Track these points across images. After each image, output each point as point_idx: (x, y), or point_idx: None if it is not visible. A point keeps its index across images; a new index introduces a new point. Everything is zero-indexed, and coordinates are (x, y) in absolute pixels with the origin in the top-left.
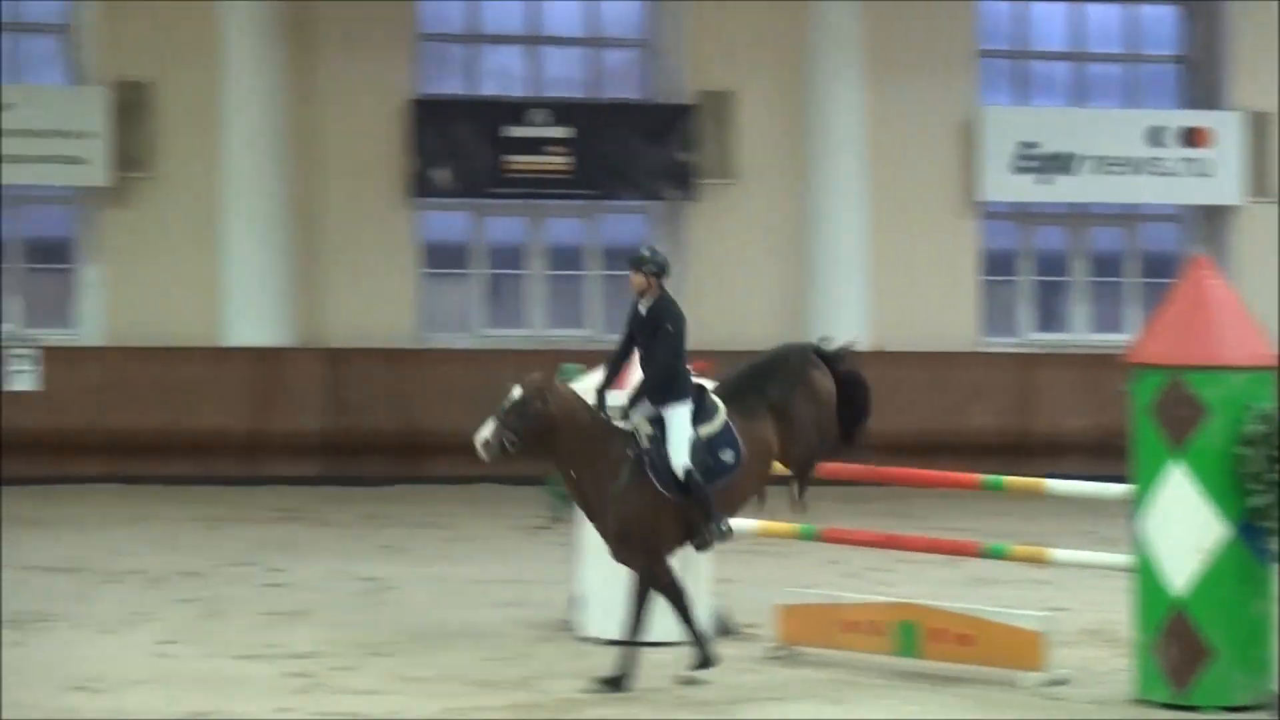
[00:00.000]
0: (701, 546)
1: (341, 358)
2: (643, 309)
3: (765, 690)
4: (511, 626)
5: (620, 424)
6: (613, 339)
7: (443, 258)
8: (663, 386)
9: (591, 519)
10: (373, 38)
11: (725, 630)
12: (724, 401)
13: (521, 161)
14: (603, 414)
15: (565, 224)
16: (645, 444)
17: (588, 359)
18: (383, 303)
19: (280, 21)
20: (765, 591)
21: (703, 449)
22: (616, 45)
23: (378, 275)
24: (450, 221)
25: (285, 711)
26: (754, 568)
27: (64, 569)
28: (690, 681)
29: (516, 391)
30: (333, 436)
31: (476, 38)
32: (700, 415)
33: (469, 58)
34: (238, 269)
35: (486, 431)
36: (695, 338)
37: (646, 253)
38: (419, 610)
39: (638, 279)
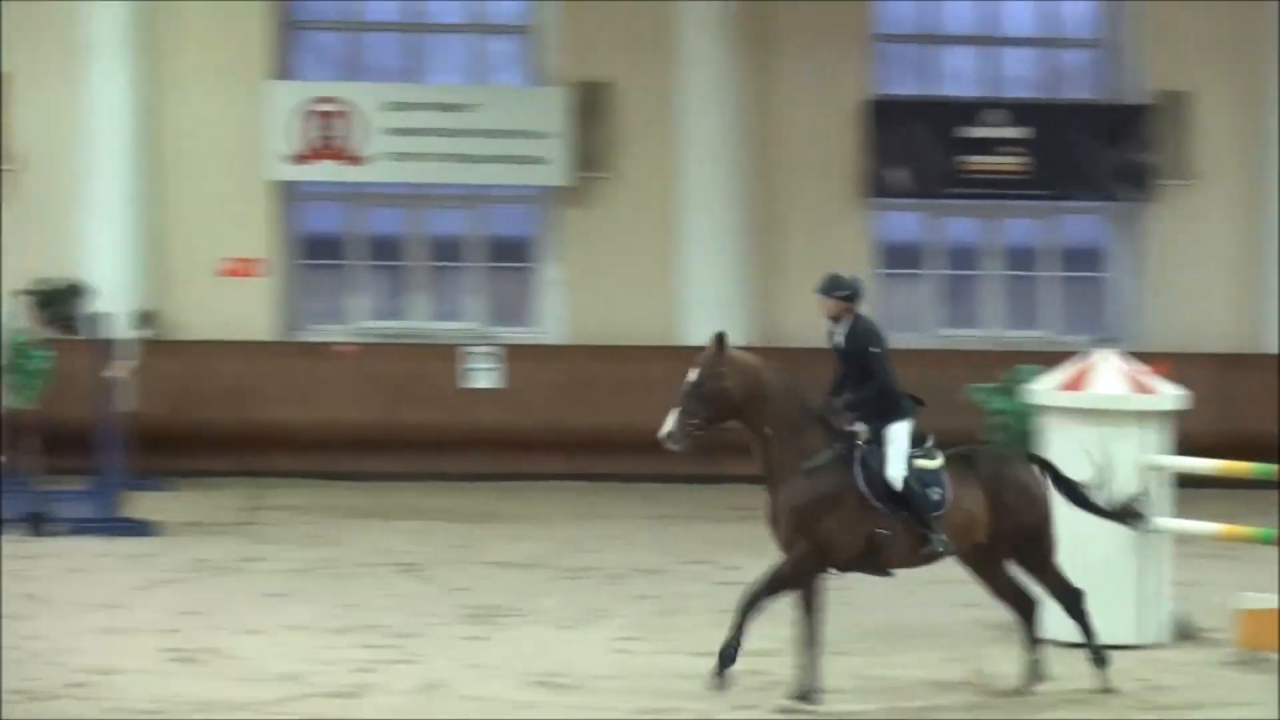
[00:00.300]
0: (888, 557)
1: (797, 357)
2: (840, 336)
3: (1224, 696)
4: (968, 627)
5: (833, 419)
6: (1070, 340)
7: (897, 258)
8: (881, 409)
9: (771, 490)
10: (829, 38)
11: (1186, 634)
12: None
13: (977, 162)
14: (807, 397)
15: (1021, 225)
16: (861, 441)
17: (1044, 360)
18: None
19: (738, 21)
20: (1224, 596)
21: (915, 476)
22: (1073, 45)
23: None
24: (905, 222)
25: (744, 710)
26: (1212, 571)
27: (525, 565)
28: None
29: (692, 375)
30: None
31: (932, 38)
32: (923, 455)
33: (925, 58)
34: (695, 268)
35: (669, 424)
36: (1153, 340)
37: (836, 278)
38: (877, 610)
39: (830, 305)
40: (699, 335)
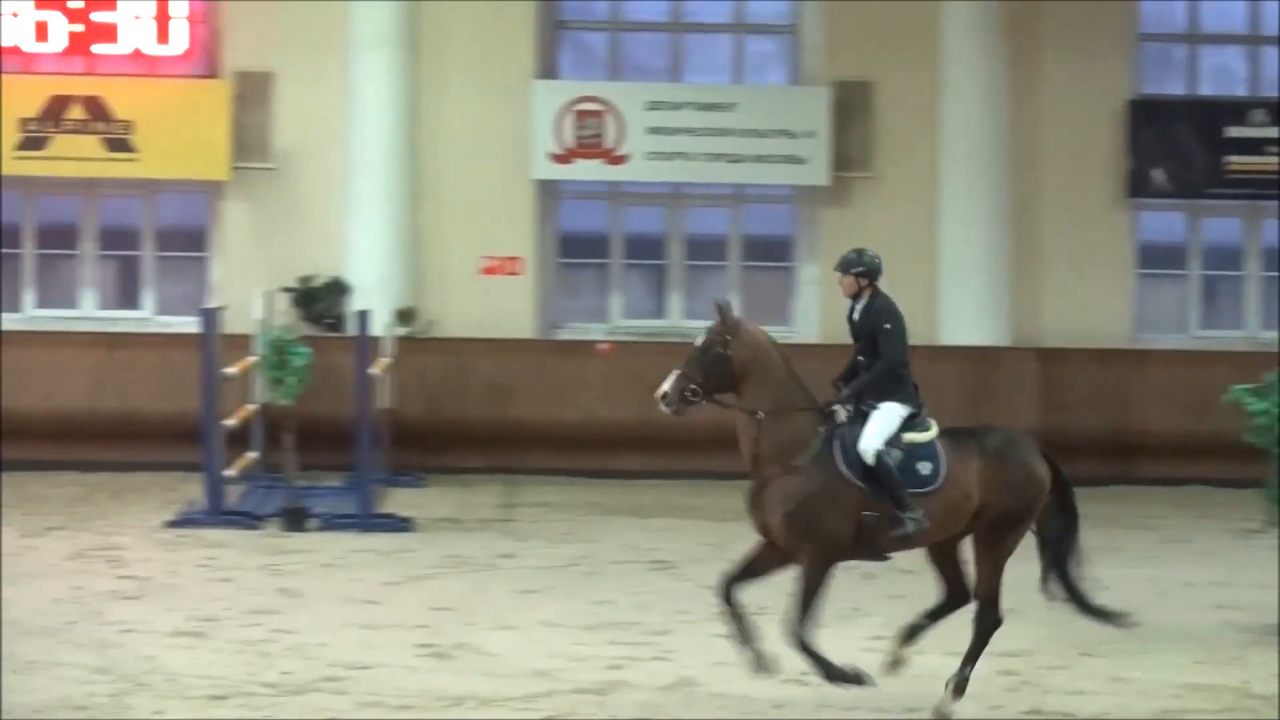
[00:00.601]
0: (880, 542)
1: (1055, 357)
2: (856, 314)
3: None
4: (1223, 630)
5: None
6: None
7: (1158, 258)
8: (883, 385)
9: (754, 487)
10: (1093, 37)
11: None
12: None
13: (1239, 162)
14: (805, 385)
15: None
16: (842, 419)
17: None
18: (1097, 303)
19: (1001, 20)
20: None
21: (902, 452)
22: None
23: (1092, 275)
24: (1165, 221)
25: (996, 710)
26: None
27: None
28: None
29: (700, 339)
30: (1044, 435)
31: (1197, 37)
32: (913, 424)
33: (1189, 58)
34: (954, 268)
35: (666, 384)
36: None
37: (855, 255)
38: (1131, 612)
39: (848, 282)
40: (958, 335)
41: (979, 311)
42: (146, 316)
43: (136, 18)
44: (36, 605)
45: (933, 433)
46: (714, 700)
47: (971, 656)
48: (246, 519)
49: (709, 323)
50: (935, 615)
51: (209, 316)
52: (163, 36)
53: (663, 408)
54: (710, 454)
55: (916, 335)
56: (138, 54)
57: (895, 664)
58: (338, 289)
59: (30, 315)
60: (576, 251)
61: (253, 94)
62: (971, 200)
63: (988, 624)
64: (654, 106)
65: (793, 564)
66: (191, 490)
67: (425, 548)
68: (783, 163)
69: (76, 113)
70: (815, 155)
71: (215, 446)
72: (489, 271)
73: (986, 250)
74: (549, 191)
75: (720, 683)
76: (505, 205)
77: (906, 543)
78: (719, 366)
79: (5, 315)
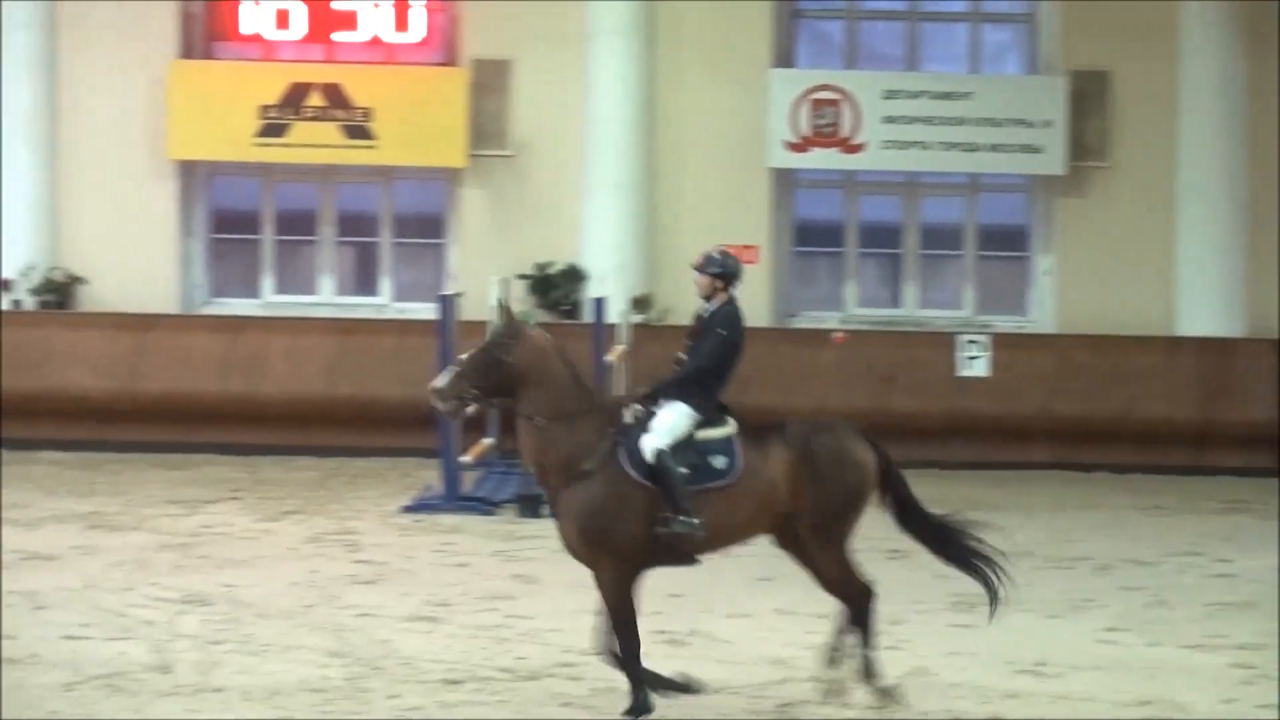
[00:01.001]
0: (664, 538)
1: None
2: (705, 313)
3: None
4: None
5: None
6: None
7: None
8: (684, 387)
9: (549, 499)
10: None
11: None
12: (740, 425)
13: None
14: (593, 384)
15: None
16: (628, 419)
17: None
18: None
19: (1241, 13)
20: None
21: (694, 449)
22: None
23: None
24: None
25: (1231, 703)
26: None
27: (1012, 553)
28: None
29: (483, 341)
30: None
31: None
32: (707, 425)
33: None
34: (1192, 259)
35: (440, 380)
36: None
37: (713, 256)
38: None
39: (704, 282)
40: (1195, 326)
41: (1216, 302)
42: (383, 303)
43: (376, 6)
44: (273, 588)
45: (729, 429)
46: (949, 690)
47: (867, 637)
48: (482, 505)
49: (944, 312)
50: (845, 627)
51: (446, 303)
52: (401, 24)
53: (436, 404)
54: (945, 443)
55: (1152, 325)
56: (376, 41)
57: (832, 694)
58: (574, 276)
59: (269, 301)
60: (811, 240)
61: (491, 82)
62: (1209, 191)
63: (859, 602)
64: (890, 95)
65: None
66: (427, 476)
67: None
68: (1019, 152)
69: (316, 100)
70: (1051, 144)
71: (451, 432)
72: None
73: (1224, 241)
74: (784, 180)
75: (954, 672)
76: (741, 193)
77: (710, 544)
78: (498, 370)
79: (245, 301)
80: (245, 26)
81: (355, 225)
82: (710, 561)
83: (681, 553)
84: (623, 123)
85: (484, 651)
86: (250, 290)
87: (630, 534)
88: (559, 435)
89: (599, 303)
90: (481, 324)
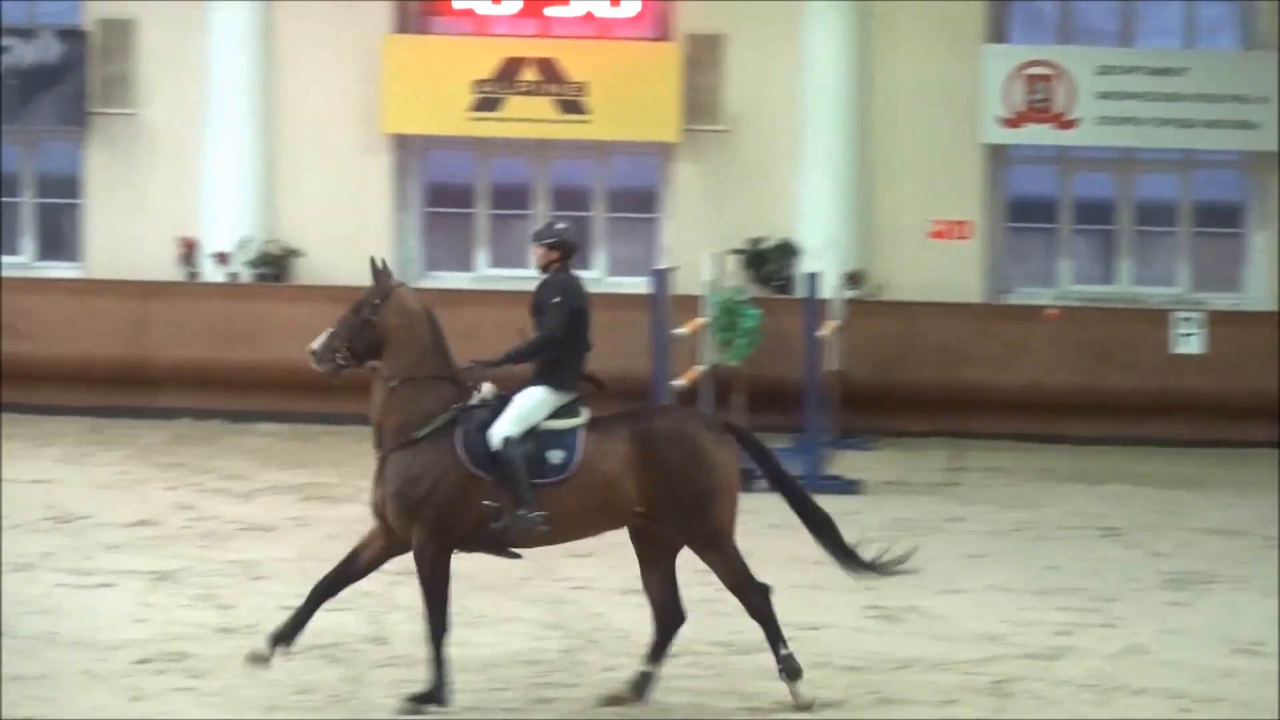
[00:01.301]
0: (500, 532)
1: None
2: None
3: None
4: None
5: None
6: None
7: None
8: (530, 359)
9: (381, 460)
10: None
11: None
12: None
13: None
14: (454, 360)
15: None
16: (474, 400)
17: None
18: None
19: None
20: None
21: (533, 440)
22: None
23: None
24: None
25: None
26: None
27: (1229, 532)
28: (412, 711)
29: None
30: None
31: None
32: (559, 414)
33: None
34: None
35: (316, 342)
36: None
37: (546, 226)
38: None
39: (539, 252)
40: None
41: None
42: (597, 277)
43: None
44: (488, 561)
45: (577, 420)
46: (1165, 668)
47: (775, 637)
48: None
49: (1158, 289)
50: (657, 653)
51: (660, 277)
52: None
53: (313, 365)
54: (1160, 420)
55: None
56: (590, 16)
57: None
58: (787, 251)
59: (483, 274)
60: (1025, 216)
61: (703, 56)
62: None
63: (758, 603)
64: (1104, 71)
65: (398, 552)
66: None
67: (872, 510)
68: (1234, 128)
69: (530, 74)
70: (1267, 121)
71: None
72: (937, 235)
73: None
74: (998, 155)
75: (1170, 650)
76: (954, 169)
77: (541, 539)
78: (365, 331)
79: (459, 274)
80: (459, 1)
81: (569, 200)
82: (924, 537)
83: (501, 542)
84: (836, 96)
85: (698, 625)
86: (464, 264)
87: (446, 512)
88: (404, 399)
89: (812, 278)
90: (695, 298)
